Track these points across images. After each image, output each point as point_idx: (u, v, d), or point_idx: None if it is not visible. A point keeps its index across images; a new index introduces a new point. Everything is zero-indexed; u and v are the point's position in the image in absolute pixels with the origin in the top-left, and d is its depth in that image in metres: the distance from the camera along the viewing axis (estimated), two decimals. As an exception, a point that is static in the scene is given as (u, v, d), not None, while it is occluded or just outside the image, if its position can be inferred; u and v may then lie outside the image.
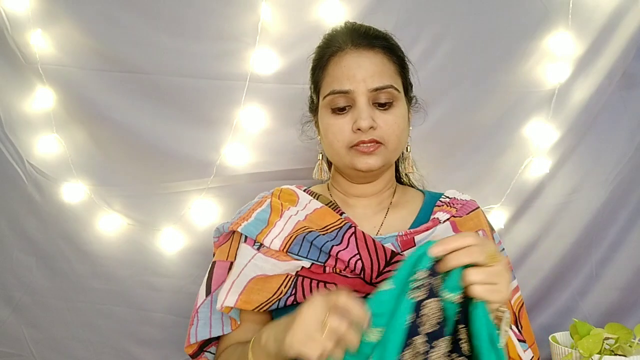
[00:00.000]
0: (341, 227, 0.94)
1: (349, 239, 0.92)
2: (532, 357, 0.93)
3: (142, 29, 1.32)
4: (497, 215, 1.37)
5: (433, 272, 0.70)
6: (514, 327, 0.94)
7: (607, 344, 1.04)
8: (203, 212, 1.37)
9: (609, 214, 1.38)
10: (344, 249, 0.90)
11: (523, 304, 1.00)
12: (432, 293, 0.69)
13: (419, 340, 0.69)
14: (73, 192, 1.37)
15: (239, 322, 0.94)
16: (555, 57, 1.33)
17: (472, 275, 0.69)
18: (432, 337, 0.69)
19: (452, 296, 0.70)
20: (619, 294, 1.39)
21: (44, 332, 1.41)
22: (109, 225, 1.38)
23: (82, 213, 1.38)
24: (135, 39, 1.32)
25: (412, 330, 0.68)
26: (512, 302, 0.98)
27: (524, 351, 0.89)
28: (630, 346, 1.03)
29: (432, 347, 0.68)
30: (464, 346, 0.70)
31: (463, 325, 0.70)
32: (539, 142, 1.35)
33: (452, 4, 1.33)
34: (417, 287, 0.69)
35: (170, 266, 1.39)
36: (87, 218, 1.38)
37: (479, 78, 1.35)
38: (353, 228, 0.94)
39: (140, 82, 1.33)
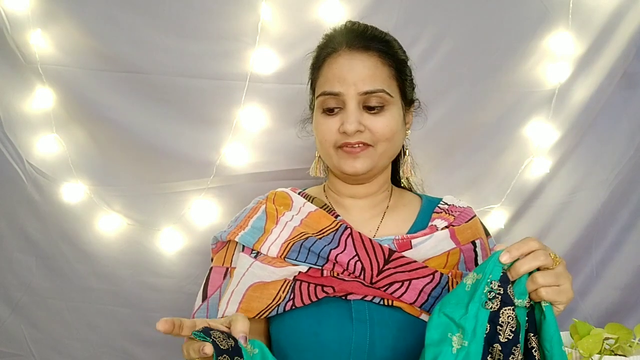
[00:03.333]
0: (337, 230, 0.94)
1: (345, 240, 0.92)
2: None
3: (142, 29, 1.32)
4: (498, 215, 1.37)
5: (503, 281, 0.72)
6: None
7: (607, 344, 1.04)
8: (203, 212, 1.37)
9: (609, 214, 1.38)
10: (342, 252, 0.90)
11: None
12: (505, 302, 0.72)
13: (497, 349, 0.72)
14: (73, 192, 1.37)
15: None
16: (555, 57, 1.33)
17: (540, 278, 0.72)
18: (508, 345, 0.71)
19: (521, 302, 0.72)
20: (620, 294, 1.39)
21: (43, 332, 1.41)
22: (109, 225, 1.38)
23: (82, 213, 1.38)
24: (135, 39, 1.32)
25: (491, 340, 0.72)
26: None
27: None
28: (630, 346, 1.03)
29: (508, 356, 0.71)
30: (536, 355, 0.72)
31: (533, 334, 0.73)
32: (539, 142, 1.35)
33: (452, 4, 1.33)
34: (491, 298, 0.72)
35: (170, 266, 1.39)
36: (87, 218, 1.38)
37: (479, 78, 1.35)
38: (349, 229, 0.94)
39: (140, 82, 1.33)
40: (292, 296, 0.89)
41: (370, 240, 0.92)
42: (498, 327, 0.72)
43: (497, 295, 0.72)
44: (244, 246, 0.97)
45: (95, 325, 1.41)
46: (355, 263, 0.89)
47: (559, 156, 1.37)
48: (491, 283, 0.73)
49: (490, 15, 1.33)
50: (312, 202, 1.01)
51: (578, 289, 1.40)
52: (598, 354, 0.99)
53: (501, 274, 0.73)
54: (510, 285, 0.72)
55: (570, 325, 1.11)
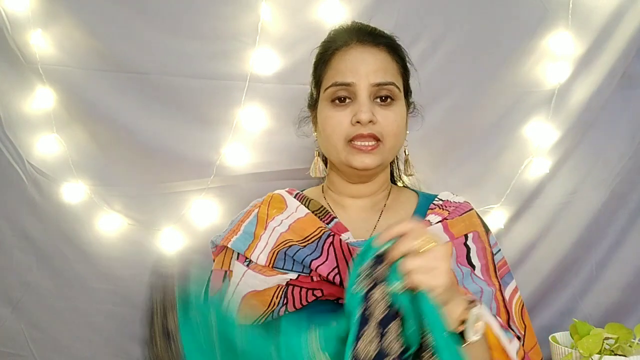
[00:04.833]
0: (320, 237, 0.94)
1: (327, 249, 0.92)
2: (519, 347, 0.89)
3: (142, 29, 1.32)
4: (497, 216, 1.37)
5: (375, 263, 0.72)
6: (498, 317, 0.92)
7: (607, 344, 1.04)
8: (203, 212, 1.37)
9: (609, 214, 1.38)
10: (322, 263, 0.90)
11: (524, 304, 1.00)
12: (377, 282, 0.71)
13: (371, 327, 0.70)
14: (73, 192, 1.37)
15: None
16: (555, 57, 1.33)
17: (408, 263, 0.70)
18: (384, 322, 0.70)
19: (396, 285, 0.70)
20: (619, 294, 1.39)
21: (44, 332, 1.41)
22: (109, 225, 1.38)
23: (82, 213, 1.38)
24: (135, 39, 1.32)
25: (364, 321, 0.71)
26: (513, 303, 0.98)
27: (510, 341, 0.86)
28: (630, 346, 1.03)
29: (384, 332, 0.70)
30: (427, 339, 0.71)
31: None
32: (539, 142, 1.35)
33: (452, 4, 1.33)
34: (362, 280, 0.72)
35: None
36: (87, 218, 1.38)
37: (479, 78, 1.35)
38: (332, 237, 0.93)
39: (140, 82, 1.33)
40: (285, 301, 0.89)
41: (350, 250, 0.91)
42: (371, 306, 0.71)
43: (367, 277, 0.72)
44: (238, 253, 0.98)
45: (95, 325, 1.41)
46: (335, 276, 0.89)
47: (559, 156, 1.37)
48: (363, 265, 0.73)
49: (490, 15, 1.33)
50: (309, 204, 1.01)
51: (578, 289, 1.40)
52: (598, 354, 1.00)
53: (373, 256, 0.72)
54: (380, 266, 0.72)
55: (570, 325, 1.11)
